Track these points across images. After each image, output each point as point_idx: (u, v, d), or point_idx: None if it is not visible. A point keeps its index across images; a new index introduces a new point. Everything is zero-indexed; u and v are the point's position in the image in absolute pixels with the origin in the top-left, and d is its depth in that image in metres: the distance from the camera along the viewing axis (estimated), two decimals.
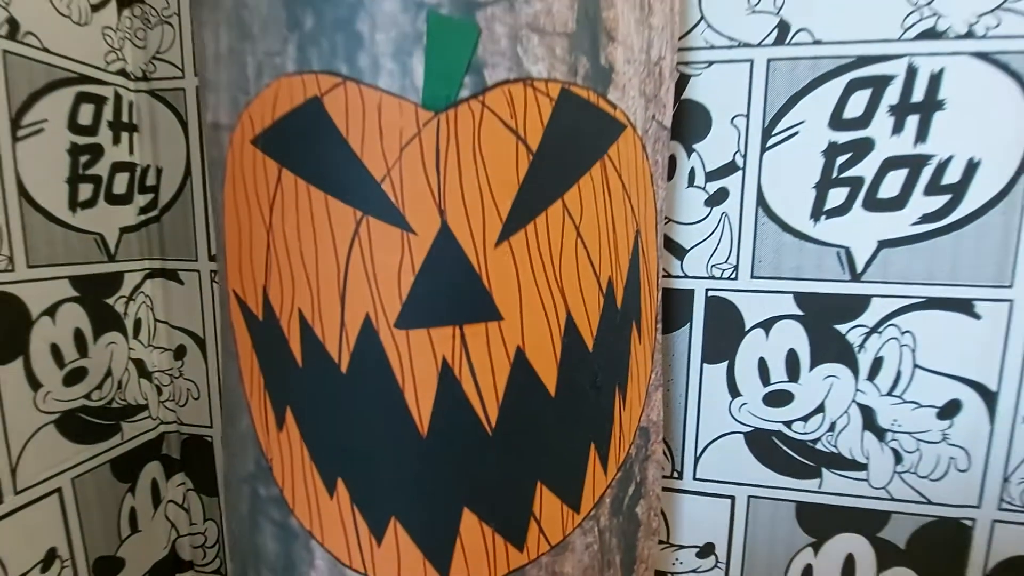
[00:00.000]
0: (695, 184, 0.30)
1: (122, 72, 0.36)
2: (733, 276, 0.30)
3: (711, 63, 0.29)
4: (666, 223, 0.31)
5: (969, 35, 0.26)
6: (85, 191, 0.33)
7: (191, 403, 0.40)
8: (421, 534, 0.21)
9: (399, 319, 0.20)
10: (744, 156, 0.29)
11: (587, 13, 0.21)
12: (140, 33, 0.36)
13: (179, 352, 0.39)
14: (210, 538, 0.42)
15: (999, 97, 0.26)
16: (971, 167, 0.27)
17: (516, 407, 0.21)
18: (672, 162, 0.30)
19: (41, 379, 0.31)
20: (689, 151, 0.30)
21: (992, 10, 0.26)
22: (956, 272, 0.28)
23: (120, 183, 0.36)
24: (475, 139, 0.19)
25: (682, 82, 0.29)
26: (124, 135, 0.36)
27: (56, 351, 0.32)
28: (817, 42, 0.28)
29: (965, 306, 0.28)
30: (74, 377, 0.33)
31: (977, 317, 0.28)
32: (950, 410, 0.29)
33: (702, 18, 0.29)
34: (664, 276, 0.31)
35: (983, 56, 0.26)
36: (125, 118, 0.36)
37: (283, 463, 0.23)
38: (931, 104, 0.27)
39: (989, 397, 0.29)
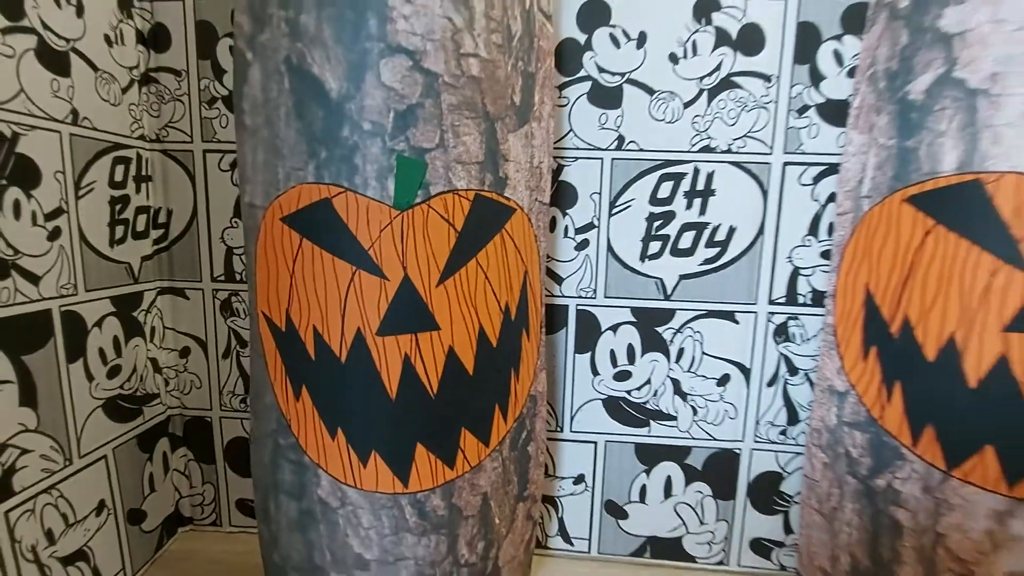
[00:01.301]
0: (568, 236, 0.45)
1: (141, 136, 0.46)
2: (593, 296, 0.46)
3: (577, 158, 0.44)
4: (549, 260, 0.46)
5: (728, 151, 0.43)
6: (119, 231, 0.44)
7: (193, 392, 0.51)
8: (391, 460, 0.35)
9: (379, 330, 0.34)
10: (598, 219, 0.45)
11: (490, 148, 0.35)
12: (155, 106, 0.47)
13: (183, 352, 0.50)
14: (207, 498, 0.53)
15: (745, 188, 0.43)
16: (731, 231, 0.44)
17: (448, 382, 0.35)
18: (553, 221, 0.45)
19: (94, 373, 0.41)
20: (564, 214, 0.45)
21: (741, 136, 0.43)
22: (724, 294, 0.45)
23: (140, 222, 0.46)
24: (424, 226, 0.33)
25: (559, 170, 0.44)
26: (143, 185, 0.46)
27: (102, 353, 0.42)
28: (641, 150, 0.43)
29: (729, 316, 0.45)
30: (113, 372, 0.43)
31: (736, 322, 0.45)
32: (724, 380, 0.46)
33: (571, 130, 0.44)
34: (548, 296, 0.46)
35: (736, 164, 0.43)
36: (144, 172, 0.46)
37: (298, 422, 0.36)
38: (707, 191, 0.44)
39: (745, 372, 0.46)
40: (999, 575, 0.34)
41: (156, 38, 0.46)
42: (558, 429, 0.48)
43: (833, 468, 0.41)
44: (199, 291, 0.49)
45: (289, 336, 0.35)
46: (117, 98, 0.43)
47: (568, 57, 0.43)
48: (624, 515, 0.49)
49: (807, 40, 0.41)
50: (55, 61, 0.37)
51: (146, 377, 0.47)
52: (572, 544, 0.50)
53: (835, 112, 0.42)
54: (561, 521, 0.50)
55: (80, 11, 0.39)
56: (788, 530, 0.48)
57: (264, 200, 0.35)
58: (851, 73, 0.41)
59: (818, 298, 0.44)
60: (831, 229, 0.43)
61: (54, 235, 0.38)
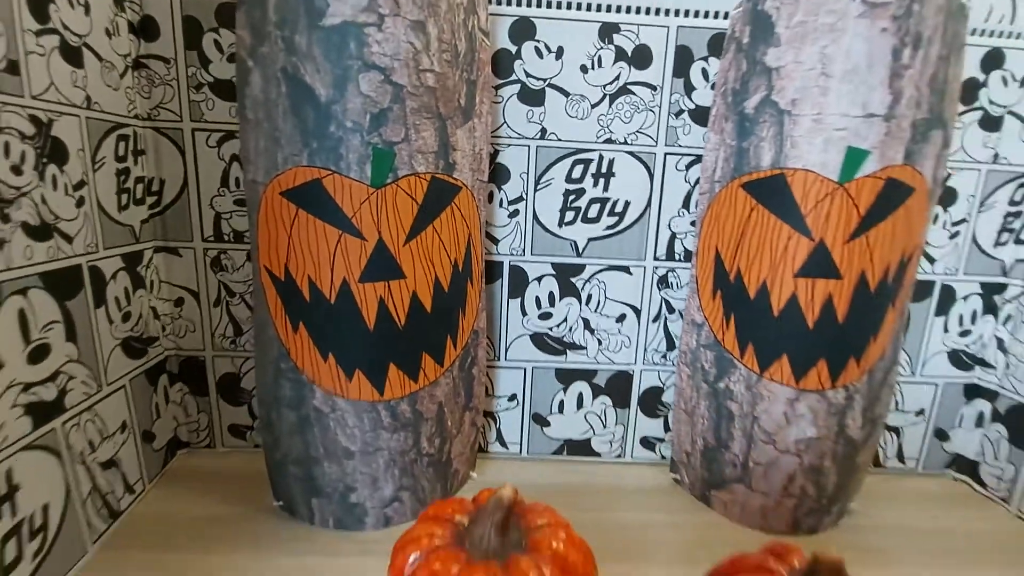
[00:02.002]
0: (503, 206, 0.57)
1: (136, 116, 0.53)
2: (522, 254, 0.58)
3: (509, 145, 0.56)
4: (488, 226, 0.57)
5: (625, 143, 0.56)
6: (123, 199, 0.52)
7: (188, 335, 0.60)
8: (370, 376, 0.47)
9: (360, 278, 0.45)
10: (526, 193, 0.57)
11: (442, 141, 0.46)
12: (146, 89, 0.54)
13: (178, 302, 0.59)
14: (202, 424, 0.62)
15: (637, 172, 0.57)
16: (626, 204, 0.57)
17: (412, 317, 0.47)
18: (491, 195, 0.57)
19: (112, 318, 0.50)
20: (500, 189, 0.57)
21: (634, 132, 0.56)
22: (621, 253, 0.59)
23: (139, 191, 0.54)
24: (394, 200, 0.44)
25: (495, 155, 0.56)
26: (139, 158, 0.54)
27: (117, 301, 0.51)
28: (559, 140, 0.56)
29: (625, 269, 0.59)
30: (125, 317, 0.52)
31: (630, 274, 0.59)
32: (621, 318, 0.61)
33: (504, 122, 0.55)
34: (487, 254, 0.58)
35: (631, 153, 0.56)
36: (139, 147, 0.54)
37: (296, 349, 0.47)
38: (609, 174, 0.57)
39: (637, 312, 0.61)
40: (791, 440, 0.51)
41: (145, 29, 0.52)
42: (495, 359, 0.62)
43: (693, 378, 0.57)
44: (191, 250, 0.57)
45: (288, 284, 0.46)
46: (116, 83, 0.50)
47: (502, 64, 0.54)
48: (547, 423, 0.64)
49: (683, 59, 0.54)
50: (72, 55, 0.44)
51: (149, 322, 0.56)
52: (507, 447, 0.65)
53: (702, 116, 0.55)
54: (499, 430, 0.64)
55: (87, 9, 0.46)
56: (666, 428, 0.64)
57: (265, 178, 0.44)
58: (713, 87, 0.54)
59: (688, 256, 0.59)
60: (696, 204, 0.57)
61: (80, 203, 0.45)
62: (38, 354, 0.41)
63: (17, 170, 0.39)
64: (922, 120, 0.45)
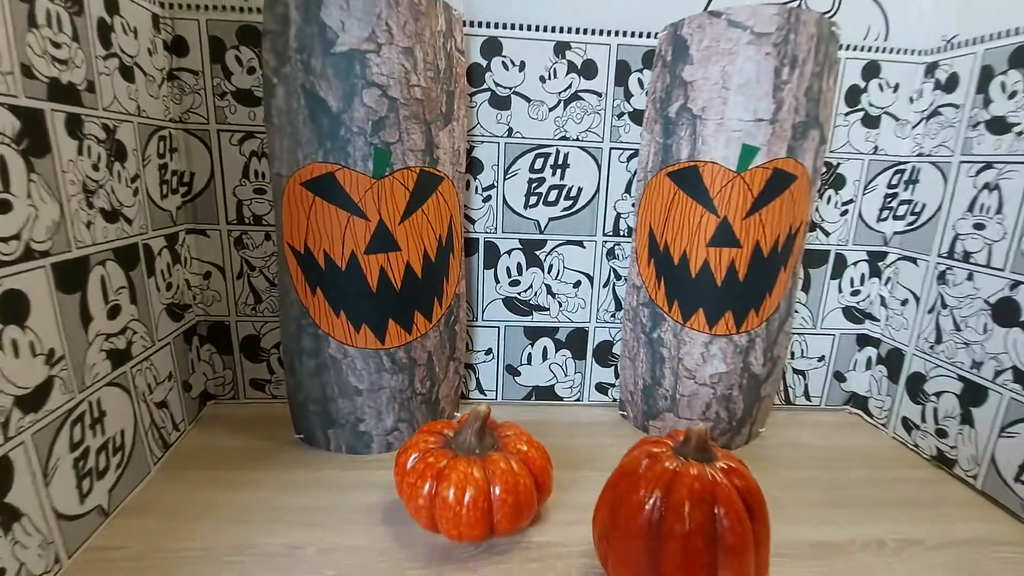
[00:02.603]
0: (478, 193, 0.69)
1: (171, 120, 0.64)
2: (495, 232, 0.71)
3: (482, 142, 0.68)
4: (466, 209, 0.70)
5: (577, 140, 0.68)
6: (164, 189, 0.62)
7: (215, 303, 0.71)
8: (374, 329, 0.59)
9: (365, 251, 0.57)
10: (497, 182, 0.69)
11: (428, 141, 0.58)
12: (177, 97, 0.64)
13: (206, 275, 0.70)
14: (227, 380, 0.74)
15: (587, 164, 0.69)
16: (579, 190, 0.70)
17: (407, 281, 0.59)
18: (468, 183, 0.69)
19: (159, 286, 0.61)
20: (475, 178, 0.69)
21: (584, 131, 0.68)
22: (576, 230, 0.71)
23: (174, 182, 0.65)
24: (391, 189, 0.56)
25: (471, 150, 0.68)
26: (173, 154, 0.65)
27: (162, 273, 0.62)
28: (523, 138, 0.68)
29: (580, 244, 0.72)
30: (168, 287, 0.63)
31: (584, 248, 0.72)
32: (577, 284, 0.74)
33: (478, 123, 0.67)
34: (466, 232, 0.70)
35: (582, 148, 0.69)
36: (173, 145, 0.64)
37: (315, 309, 0.59)
38: (565, 165, 0.69)
39: (590, 279, 0.74)
40: (707, 375, 0.65)
41: (177, 46, 0.63)
42: (474, 319, 0.74)
43: (634, 331, 0.70)
44: (217, 231, 0.68)
45: (307, 256, 0.58)
46: (156, 93, 0.61)
47: (475, 75, 0.66)
48: (518, 373, 0.77)
49: (622, 71, 0.67)
50: (127, 73, 0.55)
51: (184, 292, 0.67)
52: (485, 394, 0.78)
53: (638, 118, 0.68)
54: (478, 379, 0.77)
55: (136, 34, 0.57)
56: (616, 375, 0.77)
57: (288, 171, 0.56)
58: (646, 94, 0.67)
59: (630, 232, 0.72)
60: (634, 190, 0.70)
61: (135, 192, 0.56)
62: (113, 312, 0.52)
63: (96, 167, 0.50)
64: (800, 123, 0.58)
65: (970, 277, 0.62)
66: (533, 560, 0.48)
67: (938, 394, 0.66)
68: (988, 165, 0.60)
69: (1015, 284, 0.57)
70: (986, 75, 0.61)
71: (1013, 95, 0.58)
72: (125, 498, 0.53)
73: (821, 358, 0.79)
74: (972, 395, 0.62)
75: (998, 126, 0.59)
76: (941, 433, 0.66)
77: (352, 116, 0.53)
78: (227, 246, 0.69)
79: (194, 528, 0.50)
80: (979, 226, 0.61)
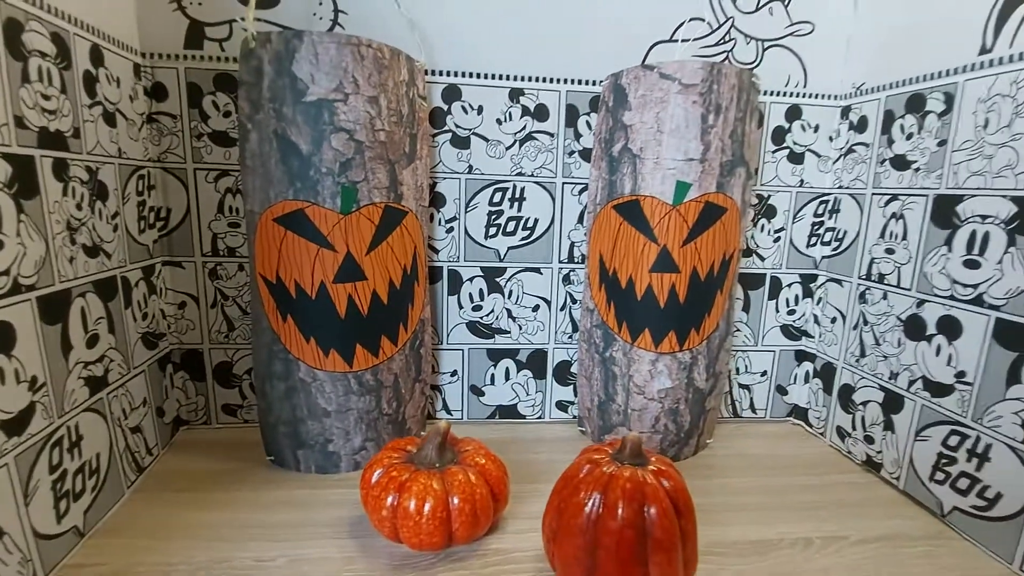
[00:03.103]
0: (441, 225, 0.75)
1: (150, 159, 0.68)
2: (458, 260, 0.76)
3: (445, 178, 0.73)
4: (430, 240, 0.75)
5: (532, 175, 0.74)
6: (142, 224, 0.66)
7: (188, 331, 0.74)
8: (342, 353, 0.63)
9: (334, 280, 0.61)
10: (459, 214, 0.75)
11: (392, 179, 0.63)
12: (156, 138, 0.68)
13: (181, 305, 0.73)
14: (199, 405, 0.77)
15: (542, 197, 0.75)
16: (536, 221, 0.76)
17: (373, 308, 0.64)
18: (432, 216, 0.74)
19: (135, 316, 0.64)
20: (438, 211, 0.74)
21: (539, 167, 0.74)
22: (534, 258, 0.77)
23: (152, 217, 0.69)
24: (358, 223, 0.61)
25: (434, 185, 0.73)
26: (151, 191, 0.68)
27: (138, 304, 0.65)
28: (482, 174, 0.74)
29: (537, 270, 0.77)
30: (144, 316, 0.66)
31: (541, 274, 0.78)
32: (536, 308, 0.79)
33: (440, 161, 0.73)
34: (430, 261, 0.75)
35: (537, 183, 0.75)
36: (151, 183, 0.68)
37: (285, 335, 0.63)
38: (521, 198, 0.75)
39: (548, 303, 0.79)
40: (654, 390, 0.70)
41: (157, 92, 0.67)
42: (440, 342, 0.79)
43: (589, 351, 0.75)
44: (192, 263, 0.72)
45: (279, 286, 0.62)
46: (136, 135, 0.65)
47: (437, 118, 0.71)
48: (482, 393, 0.81)
49: (572, 114, 0.73)
50: (110, 118, 0.59)
51: (159, 321, 0.70)
52: (451, 414, 0.81)
53: (587, 155, 0.74)
54: (444, 400, 0.81)
55: (119, 83, 0.61)
56: (574, 394, 0.82)
57: (261, 208, 0.60)
58: (593, 135, 0.73)
59: (583, 259, 0.77)
60: (585, 220, 0.76)
61: (115, 228, 0.60)
62: (92, 341, 0.55)
63: (79, 206, 0.54)
64: (727, 161, 0.65)
65: (885, 296, 0.69)
66: (489, 565, 0.52)
67: (865, 403, 0.73)
68: (894, 197, 0.68)
69: (920, 302, 0.64)
70: (888, 118, 0.69)
71: (910, 136, 0.66)
72: (100, 519, 0.55)
73: (764, 373, 0.85)
74: (892, 403, 0.68)
75: (900, 163, 0.67)
76: (869, 439, 0.72)
77: (321, 158, 0.58)
78: (202, 277, 0.73)
79: (168, 546, 0.52)
80: (889, 251, 0.69)
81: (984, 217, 0.57)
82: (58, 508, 0.49)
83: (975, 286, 0.58)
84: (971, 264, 0.58)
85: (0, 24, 0.43)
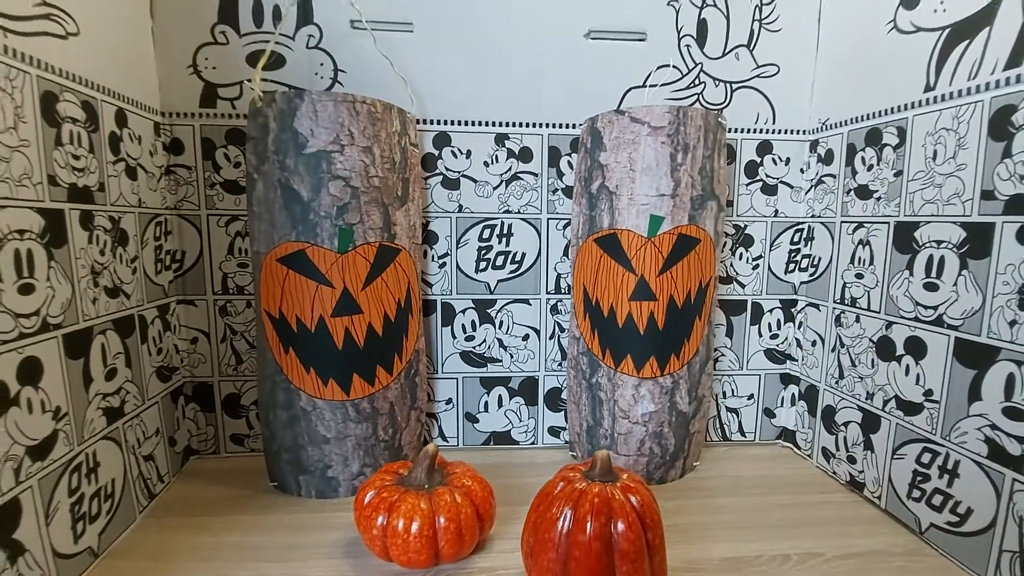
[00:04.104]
0: (434, 260, 0.80)
1: (167, 207, 0.74)
2: (450, 293, 0.81)
3: (437, 217, 0.79)
4: (424, 275, 0.80)
5: (519, 212, 0.80)
6: (158, 266, 0.72)
7: (200, 365, 0.79)
8: (340, 382, 0.67)
9: (332, 314, 0.66)
10: (451, 250, 0.80)
11: (386, 220, 0.68)
12: (173, 188, 0.75)
13: (193, 340, 0.78)
14: (209, 435, 0.81)
15: (529, 233, 0.80)
16: (523, 255, 0.81)
17: (369, 340, 0.68)
18: (425, 252, 0.79)
19: (151, 351, 0.69)
20: (431, 248, 0.79)
21: (524, 205, 0.79)
22: (523, 290, 0.81)
23: (167, 259, 0.75)
24: (354, 261, 0.66)
25: (427, 224, 0.79)
26: (167, 236, 0.75)
27: (154, 340, 0.70)
28: (472, 212, 0.79)
29: (526, 301, 0.82)
30: (159, 352, 0.72)
31: (530, 305, 0.82)
32: (526, 337, 0.83)
33: (432, 202, 0.78)
34: (424, 295, 0.80)
35: (523, 219, 0.80)
36: (168, 228, 0.75)
37: (287, 366, 0.67)
38: (509, 234, 0.80)
39: (537, 332, 0.83)
40: (639, 414, 0.73)
41: (174, 146, 0.74)
42: (434, 372, 0.83)
43: (577, 377, 0.79)
44: (204, 301, 0.78)
45: (281, 321, 0.67)
46: (155, 186, 0.72)
47: (429, 163, 0.77)
48: (476, 420, 0.84)
49: (554, 155, 0.79)
50: (131, 172, 0.66)
51: (172, 356, 0.75)
52: (447, 440, 0.85)
53: (569, 193, 0.79)
54: (440, 427, 0.84)
55: (140, 140, 0.68)
56: (565, 419, 0.85)
57: (265, 249, 0.66)
58: (575, 174, 0.78)
59: (569, 289, 0.82)
60: (570, 253, 0.80)
61: (134, 271, 0.66)
62: (110, 375, 0.60)
63: (102, 252, 0.59)
64: (698, 195, 0.70)
65: (857, 319, 0.72)
66: None
67: (846, 424, 0.75)
68: (860, 224, 0.72)
69: (889, 324, 0.67)
70: (851, 151, 0.73)
71: (870, 168, 0.70)
72: (113, 542, 0.59)
73: (751, 396, 0.87)
74: (870, 423, 0.70)
75: (863, 192, 0.71)
76: (851, 459, 0.74)
77: (320, 203, 0.64)
78: (213, 314, 0.78)
79: (172, 567, 0.56)
80: (859, 275, 0.72)
81: (939, 242, 0.60)
82: (75, 529, 0.53)
83: (935, 307, 0.61)
84: (930, 287, 0.61)
85: (38, 97, 0.50)
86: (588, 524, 0.45)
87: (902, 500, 0.65)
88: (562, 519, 0.46)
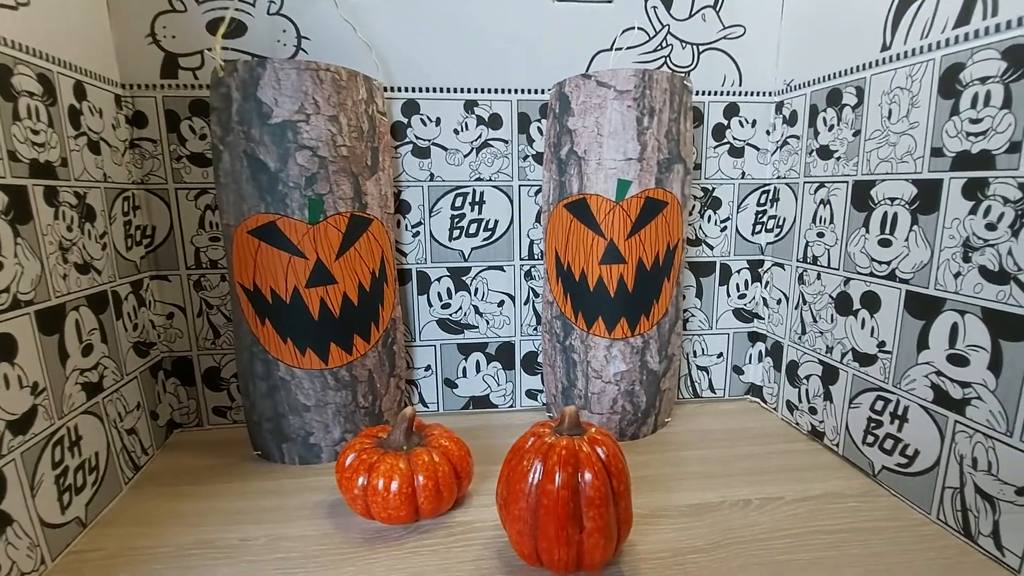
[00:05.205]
0: (408, 230, 0.80)
1: (134, 182, 0.74)
2: (425, 262, 0.82)
3: (409, 186, 0.79)
4: (398, 244, 0.80)
5: (490, 180, 0.80)
6: (129, 242, 0.72)
7: (177, 339, 0.80)
8: (317, 351, 0.69)
9: (306, 285, 0.66)
10: (424, 219, 0.80)
11: (356, 190, 0.69)
12: (139, 162, 0.74)
13: (169, 316, 0.79)
14: (191, 409, 0.82)
15: (501, 200, 0.81)
16: (496, 222, 0.81)
17: (345, 309, 0.69)
18: (399, 222, 0.80)
19: (127, 327, 0.70)
20: (404, 217, 0.80)
21: (496, 172, 0.80)
22: (496, 256, 0.83)
23: (138, 235, 0.74)
24: (325, 232, 0.66)
25: (399, 194, 0.79)
26: (136, 211, 0.74)
27: (129, 315, 0.71)
28: (444, 181, 0.79)
29: (500, 268, 0.83)
30: (135, 327, 0.72)
31: (504, 271, 0.83)
32: (501, 303, 0.84)
33: (403, 171, 0.78)
34: (399, 264, 0.81)
35: (495, 187, 0.80)
36: (136, 204, 0.74)
37: (264, 337, 0.68)
38: (481, 202, 0.81)
39: (512, 298, 0.84)
40: (611, 373, 0.75)
41: (138, 119, 0.73)
42: (412, 340, 0.84)
43: (551, 340, 0.81)
44: (178, 276, 0.78)
45: (255, 293, 0.67)
46: (120, 160, 0.71)
47: (398, 131, 0.77)
48: (455, 386, 0.87)
49: (524, 122, 0.79)
50: (94, 147, 0.65)
51: (149, 331, 0.76)
52: (427, 406, 0.87)
53: (540, 159, 0.80)
54: (420, 394, 0.86)
55: (101, 113, 0.67)
56: (542, 382, 0.88)
57: (236, 222, 0.66)
58: (544, 140, 0.79)
59: (541, 255, 0.83)
60: (542, 220, 0.81)
61: (104, 247, 0.66)
62: (86, 351, 0.61)
63: (70, 228, 0.59)
64: (664, 159, 0.71)
65: (819, 277, 0.75)
66: (453, 535, 0.57)
67: (807, 377, 0.78)
68: (821, 184, 0.74)
69: (847, 280, 0.70)
70: (814, 112, 0.75)
71: (831, 128, 0.72)
72: (100, 512, 0.61)
73: (720, 355, 0.90)
74: (829, 375, 0.74)
75: (824, 153, 0.73)
76: (813, 410, 0.77)
77: (288, 174, 0.64)
78: (187, 289, 0.78)
79: (161, 531, 0.58)
80: (820, 234, 0.74)
81: (892, 199, 0.62)
82: (62, 500, 0.55)
83: (888, 263, 0.63)
84: (884, 243, 0.64)
85: None
86: (556, 475, 0.47)
87: (857, 446, 0.69)
88: (532, 471, 0.49)
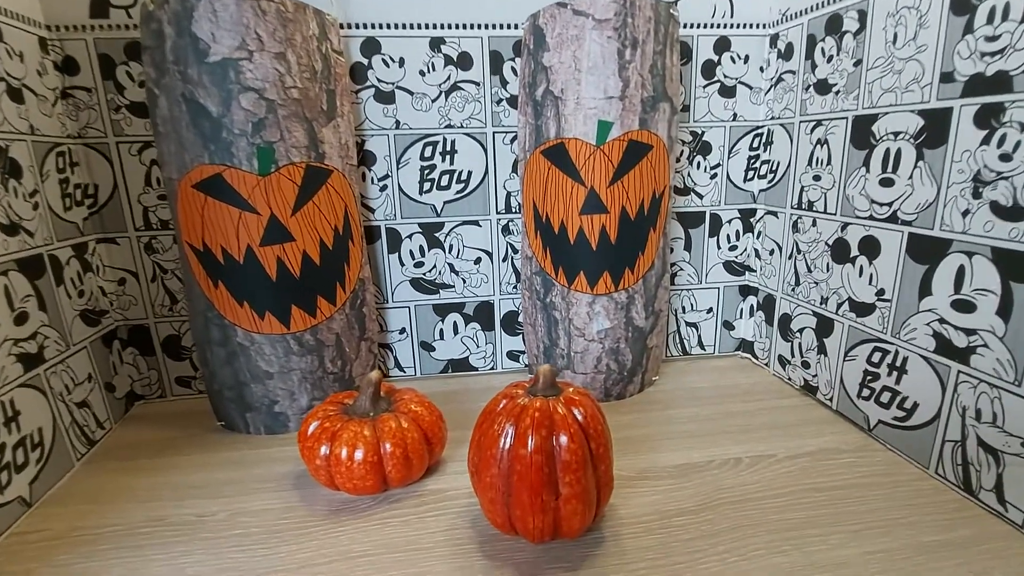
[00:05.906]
0: (374, 183, 0.74)
1: (69, 136, 0.67)
2: (395, 218, 0.76)
3: (372, 135, 0.73)
4: (364, 199, 0.75)
5: (461, 127, 0.74)
6: (67, 202, 0.66)
7: (131, 307, 0.74)
8: (278, 315, 0.64)
9: (260, 243, 0.61)
10: (391, 171, 0.74)
11: (311, 137, 0.63)
12: (73, 114, 0.67)
13: (121, 281, 0.73)
14: (152, 380, 0.78)
15: (474, 148, 0.75)
16: (469, 173, 0.76)
17: (305, 270, 0.64)
18: (364, 175, 0.74)
19: (70, 294, 0.64)
20: (370, 170, 0.74)
21: (467, 118, 0.74)
22: (471, 210, 0.77)
23: (78, 194, 0.68)
24: (279, 184, 0.61)
25: (363, 143, 0.73)
26: (74, 168, 0.68)
27: (72, 281, 0.65)
28: (411, 128, 0.73)
29: (476, 223, 0.78)
30: (80, 294, 0.67)
31: (480, 226, 0.78)
32: (478, 261, 0.79)
33: (366, 118, 0.72)
34: (366, 221, 0.75)
35: (467, 134, 0.74)
36: (74, 160, 0.68)
37: (219, 301, 0.63)
38: (453, 151, 0.75)
39: (489, 255, 0.79)
40: (594, 331, 0.71)
41: (68, 66, 0.66)
42: (385, 301, 0.79)
43: (531, 298, 0.76)
44: (127, 238, 0.72)
45: (206, 253, 0.62)
46: (50, 112, 0.64)
47: (358, 74, 0.70)
48: (432, 349, 0.82)
49: (496, 61, 0.72)
50: (16, 94, 0.58)
51: (99, 298, 0.71)
52: (404, 371, 0.83)
53: (515, 103, 0.74)
54: (396, 358, 0.82)
55: (22, 57, 0.60)
56: (523, 342, 0.84)
57: (179, 174, 0.60)
58: (519, 81, 0.72)
59: (519, 208, 0.78)
60: (518, 169, 0.76)
61: (35, 207, 0.60)
62: (20, 319, 0.56)
63: None
64: (649, 97, 0.65)
65: (814, 223, 0.70)
66: (424, 504, 0.54)
67: (801, 330, 0.74)
68: (819, 123, 0.68)
69: (844, 226, 0.65)
70: (811, 43, 0.69)
71: (830, 59, 0.66)
72: (47, 490, 0.57)
73: (709, 310, 0.86)
74: (823, 327, 0.70)
75: (822, 87, 0.67)
76: (806, 364, 0.74)
77: (232, 119, 0.58)
78: (138, 252, 0.73)
79: (111, 509, 0.54)
80: (816, 177, 0.69)
81: (896, 134, 0.57)
82: None
83: (890, 204, 0.58)
84: (886, 182, 0.59)
85: None
86: (529, 438, 0.44)
87: (852, 400, 0.66)
88: (503, 435, 0.45)
